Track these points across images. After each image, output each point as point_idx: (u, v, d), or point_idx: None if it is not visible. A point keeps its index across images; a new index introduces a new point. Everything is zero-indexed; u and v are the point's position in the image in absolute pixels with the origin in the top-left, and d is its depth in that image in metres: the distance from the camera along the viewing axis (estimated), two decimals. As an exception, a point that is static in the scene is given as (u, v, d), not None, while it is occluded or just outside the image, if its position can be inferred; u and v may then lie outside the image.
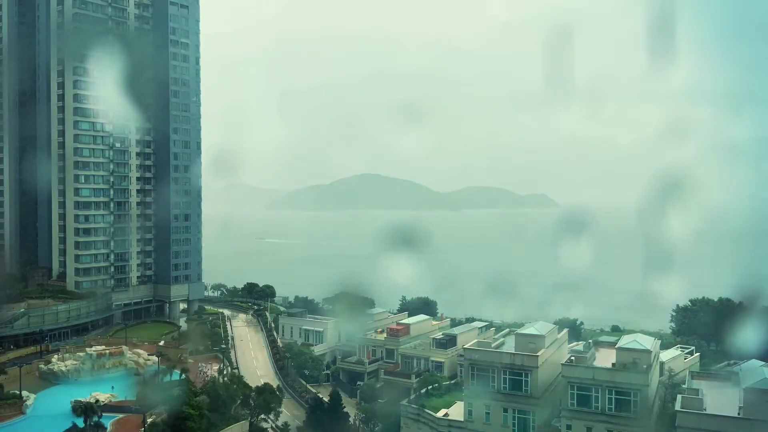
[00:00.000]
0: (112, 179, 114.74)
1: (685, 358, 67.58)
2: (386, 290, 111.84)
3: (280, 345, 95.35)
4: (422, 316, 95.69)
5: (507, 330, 70.89)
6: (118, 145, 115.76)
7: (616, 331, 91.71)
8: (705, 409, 45.86)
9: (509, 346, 60.08)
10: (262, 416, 67.94)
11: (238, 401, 67.21)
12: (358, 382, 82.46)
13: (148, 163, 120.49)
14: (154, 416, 62.13)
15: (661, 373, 59.50)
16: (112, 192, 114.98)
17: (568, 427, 52.62)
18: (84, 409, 60.09)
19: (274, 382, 77.92)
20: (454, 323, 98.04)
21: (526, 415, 55.63)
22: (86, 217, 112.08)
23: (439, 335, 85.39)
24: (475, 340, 67.07)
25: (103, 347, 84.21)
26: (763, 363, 50.94)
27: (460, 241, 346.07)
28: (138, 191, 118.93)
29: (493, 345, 60.57)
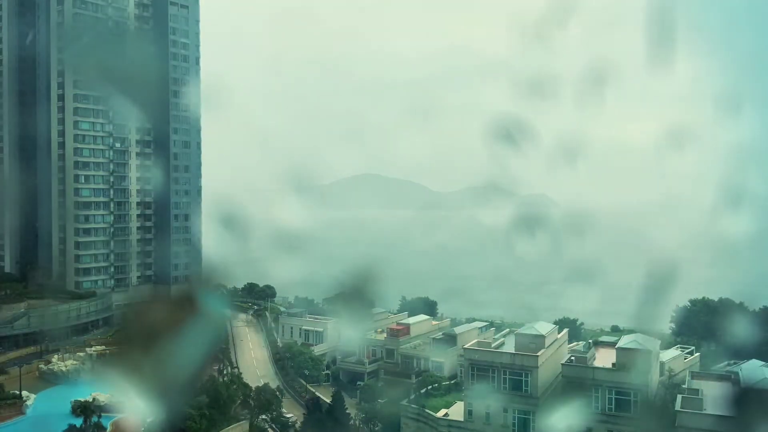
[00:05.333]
0: (112, 179, 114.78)
1: (685, 358, 67.40)
2: (389, 290, 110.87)
3: (280, 345, 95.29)
4: (422, 316, 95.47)
5: (507, 330, 70.75)
6: (118, 145, 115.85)
7: (616, 331, 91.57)
8: (705, 409, 45.78)
9: (509, 346, 59.94)
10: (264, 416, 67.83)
11: (238, 401, 67.13)
12: (358, 382, 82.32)
13: (148, 163, 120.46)
14: (153, 416, 62.03)
15: (661, 373, 59.39)
16: (112, 192, 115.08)
17: (569, 427, 52.55)
18: (83, 409, 60.10)
19: (274, 382, 77.87)
20: (455, 323, 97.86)
21: (526, 415, 55.55)
22: (86, 217, 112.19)
23: (439, 335, 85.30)
24: (475, 340, 66.89)
25: (103, 347, 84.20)
26: (763, 363, 50.86)
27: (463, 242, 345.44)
28: (138, 191, 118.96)
29: (493, 345, 60.44)
